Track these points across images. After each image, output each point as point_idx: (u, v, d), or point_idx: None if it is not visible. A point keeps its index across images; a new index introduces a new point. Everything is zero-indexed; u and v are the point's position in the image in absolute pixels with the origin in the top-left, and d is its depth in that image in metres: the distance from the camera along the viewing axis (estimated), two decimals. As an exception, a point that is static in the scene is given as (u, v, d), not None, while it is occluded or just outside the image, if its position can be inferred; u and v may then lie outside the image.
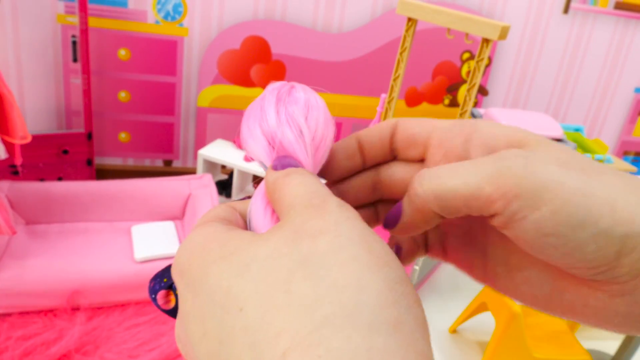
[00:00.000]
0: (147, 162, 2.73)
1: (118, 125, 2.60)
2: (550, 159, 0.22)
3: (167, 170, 2.75)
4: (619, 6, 2.86)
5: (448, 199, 0.23)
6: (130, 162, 2.70)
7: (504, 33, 1.64)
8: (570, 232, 0.21)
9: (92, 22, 2.30)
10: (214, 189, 2.17)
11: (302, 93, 0.29)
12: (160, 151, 2.72)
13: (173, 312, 0.29)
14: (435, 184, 0.24)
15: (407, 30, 1.82)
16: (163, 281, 0.29)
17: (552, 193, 0.21)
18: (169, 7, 2.42)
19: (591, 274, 0.22)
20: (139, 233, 2.02)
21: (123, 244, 1.99)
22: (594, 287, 0.23)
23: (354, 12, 2.65)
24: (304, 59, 2.68)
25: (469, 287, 2.60)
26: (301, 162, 0.27)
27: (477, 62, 1.72)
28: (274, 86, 0.30)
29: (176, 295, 0.28)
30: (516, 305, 1.85)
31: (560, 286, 0.24)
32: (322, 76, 2.74)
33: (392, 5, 2.67)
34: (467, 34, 1.70)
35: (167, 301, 0.29)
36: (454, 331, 2.23)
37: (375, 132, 0.29)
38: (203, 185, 2.18)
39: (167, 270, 0.30)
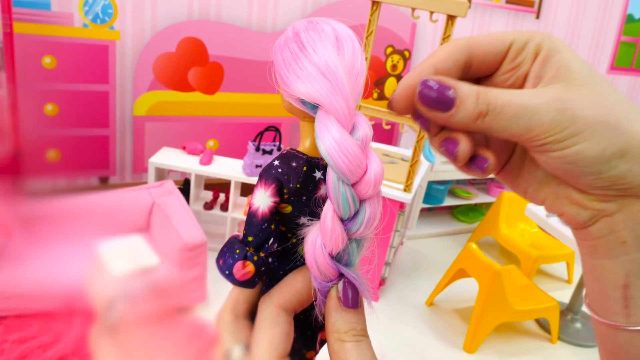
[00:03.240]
0: (80, 182, 2.47)
1: (45, 142, 2.32)
2: (590, 105, 0.26)
3: (104, 189, 2.51)
4: (509, 1, 3.25)
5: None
6: (61, 182, 2.42)
7: (464, 10, 1.78)
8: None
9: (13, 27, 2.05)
10: (179, 194, 2.03)
11: (329, 25, 0.30)
12: (94, 168, 2.48)
13: (250, 283, 0.29)
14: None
15: (372, 15, 1.88)
16: (235, 253, 0.29)
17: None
18: (98, 8, 2.23)
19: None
20: (109, 251, 1.83)
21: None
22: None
23: (286, 10, 2.67)
24: (241, 60, 2.63)
25: (428, 265, 2.72)
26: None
27: (443, 39, 1.84)
28: (301, 24, 0.30)
29: (253, 262, 0.29)
30: (497, 265, 1.98)
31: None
32: (260, 77, 2.71)
33: (322, 2, 2.74)
34: (432, 13, 1.81)
35: (246, 271, 0.29)
36: (430, 304, 2.32)
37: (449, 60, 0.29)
38: (167, 192, 2.03)
39: (234, 243, 0.30)
